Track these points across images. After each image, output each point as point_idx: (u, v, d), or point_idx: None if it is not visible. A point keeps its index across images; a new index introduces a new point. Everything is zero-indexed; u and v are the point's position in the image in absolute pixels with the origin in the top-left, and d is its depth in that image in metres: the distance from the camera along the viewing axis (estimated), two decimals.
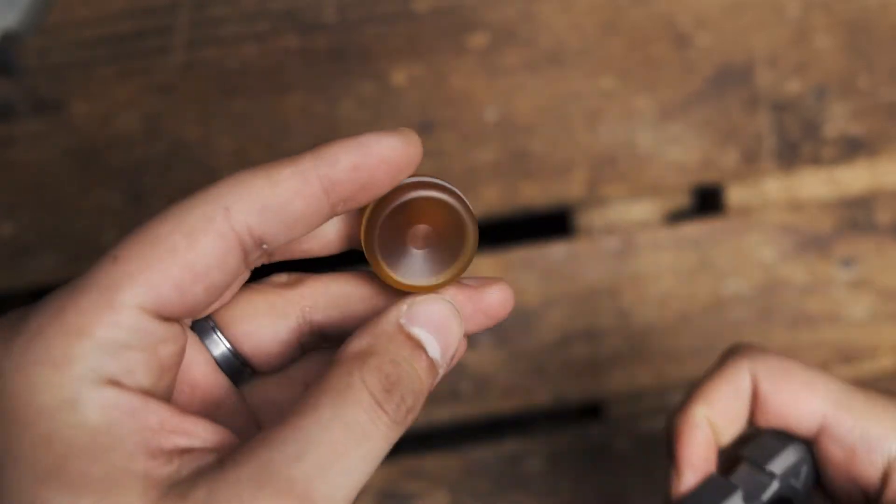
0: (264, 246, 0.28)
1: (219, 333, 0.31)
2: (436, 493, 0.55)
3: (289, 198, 0.27)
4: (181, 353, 0.28)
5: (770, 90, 0.57)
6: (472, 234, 0.30)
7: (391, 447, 0.27)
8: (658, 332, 0.56)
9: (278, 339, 0.32)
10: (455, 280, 0.30)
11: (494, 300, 0.31)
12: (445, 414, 0.56)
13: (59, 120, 0.56)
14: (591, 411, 0.58)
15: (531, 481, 0.55)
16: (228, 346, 0.31)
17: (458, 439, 0.57)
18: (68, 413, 0.25)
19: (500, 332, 0.56)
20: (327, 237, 0.31)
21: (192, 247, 0.27)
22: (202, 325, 0.31)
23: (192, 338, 0.30)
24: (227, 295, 0.30)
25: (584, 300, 0.56)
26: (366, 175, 0.28)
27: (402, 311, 0.28)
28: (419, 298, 0.29)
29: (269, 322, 0.31)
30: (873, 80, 0.57)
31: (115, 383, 0.26)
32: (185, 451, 0.26)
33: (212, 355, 0.31)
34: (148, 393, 0.27)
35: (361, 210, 0.30)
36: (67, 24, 0.56)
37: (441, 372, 0.29)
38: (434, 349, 0.28)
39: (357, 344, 0.27)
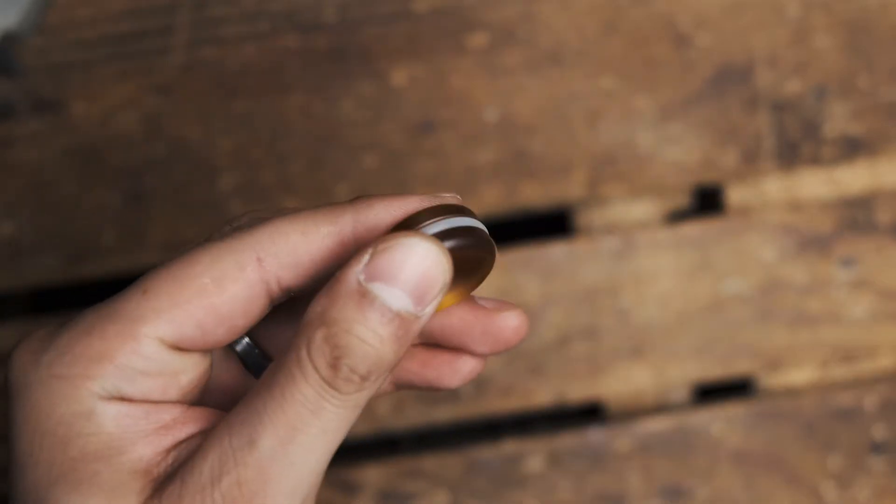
0: (290, 292, 0.28)
1: None
2: (436, 492, 0.55)
3: (323, 256, 0.28)
4: (204, 376, 0.29)
5: (770, 90, 0.57)
6: (486, 271, 0.29)
7: (357, 412, 0.26)
8: (658, 332, 0.56)
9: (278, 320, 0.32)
10: (464, 298, 0.30)
11: (507, 325, 0.30)
12: (445, 414, 0.56)
13: (59, 120, 0.56)
14: (591, 411, 0.58)
15: (531, 481, 0.55)
16: (247, 339, 0.31)
17: (458, 439, 0.57)
18: (85, 423, 0.26)
19: None
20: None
21: (220, 292, 0.27)
22: None
23: None
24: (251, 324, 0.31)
25: (583, 300, 0.56)
26: None
27: (362, 265, 0.25)
28: (381, 245, 0.26)
29: (285, 317, 0.32)
30: (873, 80, 0.57)
31: (129, 399, 0.27)
32: (180, 442, 0.27)
33: (235, 352, 0.31)
34: (162, 402, 0.28)
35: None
36: (67, 24, 0.56)
37: (423, 316, 0.26)
38: (402, 302, 0.25)
39: (311, 311, 0.26)
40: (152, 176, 0.55)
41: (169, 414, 0.27)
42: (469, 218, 0.28)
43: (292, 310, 0.31)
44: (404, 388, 0.32)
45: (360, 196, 0.28)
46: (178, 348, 0.27)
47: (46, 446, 0.26)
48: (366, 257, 0.26)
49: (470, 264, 0.28)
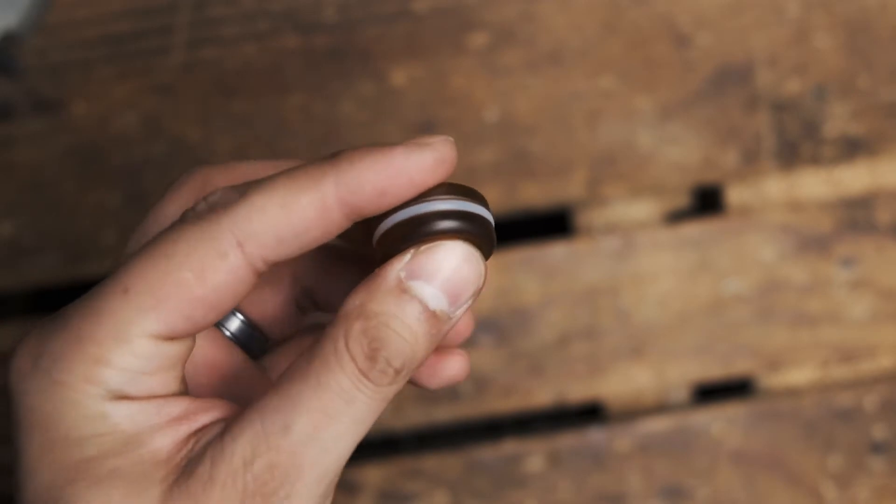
0: (277, 264, 0.28)
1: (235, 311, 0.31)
2: (436, 492, 0.55)
3: (306, 227, 0.27)
4: (189, 352, 0.29)
5: (770, 90, 0.57)
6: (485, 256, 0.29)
7: (385, 405, 0.27)
8: (658, 332, 0.56)
9: (281, 306, 0.32)
10: None
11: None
12: (445, 414, 0.56)
13: (59, 120, 0.56)
14: (591, 411, 0.58)
15: (531, 481, 0.55)
16: (241, 318, 0.31)
17: (458, 439, 0.57)
18: (99, 423, 0.26)
19: (499, 332, 0.56)
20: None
21: (202, 284, 0.26)
22: None
23: None
24: (237, 300, 0.31)
25: (583, 300, 0.56)
26: (392, 199, 0.27)
27: (403, 264, 0.26)
28: (424, 246, 0.27)
29: (268, 290, 0.32)
30: (873, 80, 0.57)
31: (134, 398, 0.27)
32: (199, 430, 0.27)
33: (227, 331, 0.31)
34: (167, 396, 0.28)
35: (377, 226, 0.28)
36: (67, 24, 0.56)
37: (454, 318, 0.27)
38: (438, 301, 0.26)
39: (350, 303, 0.26)
40: (152, 176, 0.55)
41: (178, 407, 0.27)
42: (479, 206, 0.28)
43: (275, 278, 0.32)
44: None
45: (340, 151, 0.27)
46: (170, 338, 0.27)
47: (59, 450, 0.26)
48: (407, 256, 0.26)
49: None
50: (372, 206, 0.27)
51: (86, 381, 0.26)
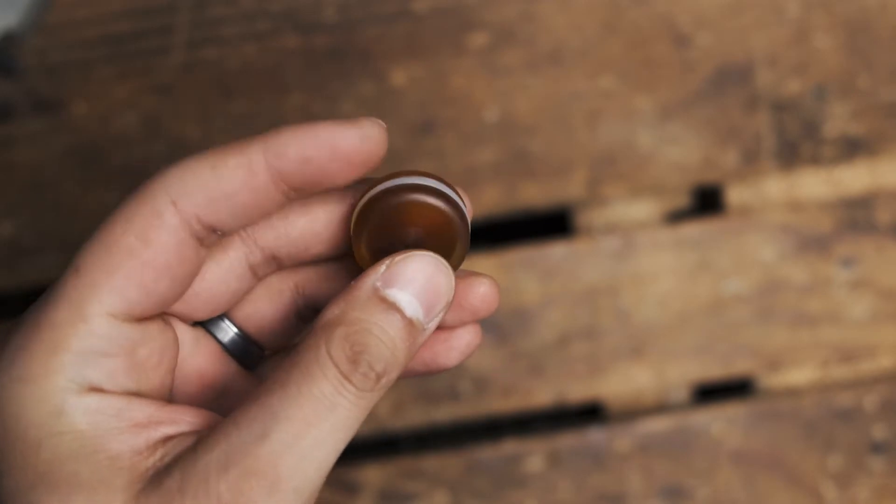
0: (218, 232, 0.28)
1: (226, 320, 0.31)
2: (436, 493, 0.55)
3: (235, 188, 0.27)
4: (169, 350, 0.28)
5: (770, 90, 0.57)
6: (461, 241, 0.29)
7: (365, 414, 0.27)
8: (658, 332, 0.56)
9: (279, 317, 0.32)
10: None
11: (475, 293, 0.30)
12: (445, 414, 0.56)
13: (59, 120, 0.56)
14: (591, 411, 0.58)
15: (531, 481, 0.55)
16: (236, 329, 0.31)
17: (458, 439, 0.57)
18: (55, 422, 0.26)
19: (499, 332, 0.56)
20: (335, 241, 0.30)
21: (146, 246, 0.27)
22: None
23: (197, 330, 0.31)
24: (230, 297, 0.31)
25: (583, 300, 0.56)
26: (316, 168, 0.27)
27: (379, 274, 0.27)
28: (399, 257, 0.27)
29: (267, 300, 0.32)
30: (873, 80, 0.57)
31: (97, 390, 0.26)
32: (168, 439, 0.27)
33: (219, 342, 0.31)
34: (133, 393, 0.27)
35: (353, 209, 0.29)
36: (67, 24, 0.56)
37: (428, 329, 0.28)
38: (414, 309, 0.27)
39: (329, 313, 0.27)
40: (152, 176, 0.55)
41: (141, 412, 0.27)
42: (435, 181, 0.29)
43: (269, 290, 0.31)
44: (405, 376, 0.32)
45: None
46: (130, 318, 0.27)
47: (20, 451, 0.26)
48: (382, 268, 0.27)
49: (438, 228, 0.29)
50: (298, 174, 0.27)
51: (45, 372, 0.26)
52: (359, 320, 0.26)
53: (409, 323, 0.27)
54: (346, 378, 0.26)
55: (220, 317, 0.31)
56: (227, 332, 0.31)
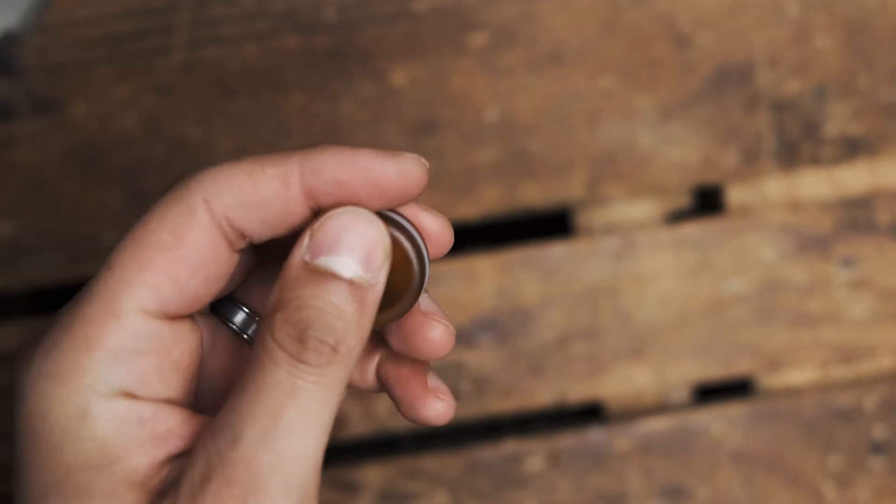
0: (247, 239, 0.28)
1: (235, 302, 0.31)
2: (436, 493, 0.55)
3: (268, 198, 0.27)
4: (196, 352, 0.28)
5: (770, 90, 0.57)
6: (416, 278, 0.28)
7: (339, 390, 0.26)
8: (658, 332, 0.56)
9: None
10: (396, 319, 0.29)
11: (426, 339, 0.29)
12: None
13: (59, 120, 0.56)
14: (591, 411, 0.58)
15: (531, 481, 0.55)
16: (246, 309, 0.31)
17: (458, 439, 0.57)
18: (78, 426, 0.26)
19: (499, 332, 0.56)
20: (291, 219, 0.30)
21: (179, 242, 0.27)
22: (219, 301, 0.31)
23: (213, 323, 0.30)
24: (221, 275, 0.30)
25: (583, 300, 0.56)
26: (348, 192, 0.27)
27: (304, 247, 0.26)
28: (317, 223, 0.26)
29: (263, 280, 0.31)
30: (873, 80, 0.57)
31: (127, 394, 0.26)
32: (176, 455, 0.26)
33: (233, 326, 0.31)
34: (163, 400, 0.27)
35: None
36: (67, 24, 0.56)
37: (377, 283, 0.26)
38: (350, 268, 0.26)
39: (269, 303, 0.26)
40: (152, 176, 0.55)
41: (165, 423, 0.26)
42: (393, 213, 0.28)
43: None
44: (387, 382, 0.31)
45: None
46: (163, 315, 0.27)
47: (41, 452, 0.26)
48: (306, 240, 0.26)
49: (402, 271, 0.28)
50: (330, 195, 0.27)
51: (74, 370, 0.26)
52: (293, 298, 0.25)
53: (351, 284, 0.26)
54: (297, 359, 0.25)
55: (229, 298, 0.31)
56: (237, 312, 0.31)
